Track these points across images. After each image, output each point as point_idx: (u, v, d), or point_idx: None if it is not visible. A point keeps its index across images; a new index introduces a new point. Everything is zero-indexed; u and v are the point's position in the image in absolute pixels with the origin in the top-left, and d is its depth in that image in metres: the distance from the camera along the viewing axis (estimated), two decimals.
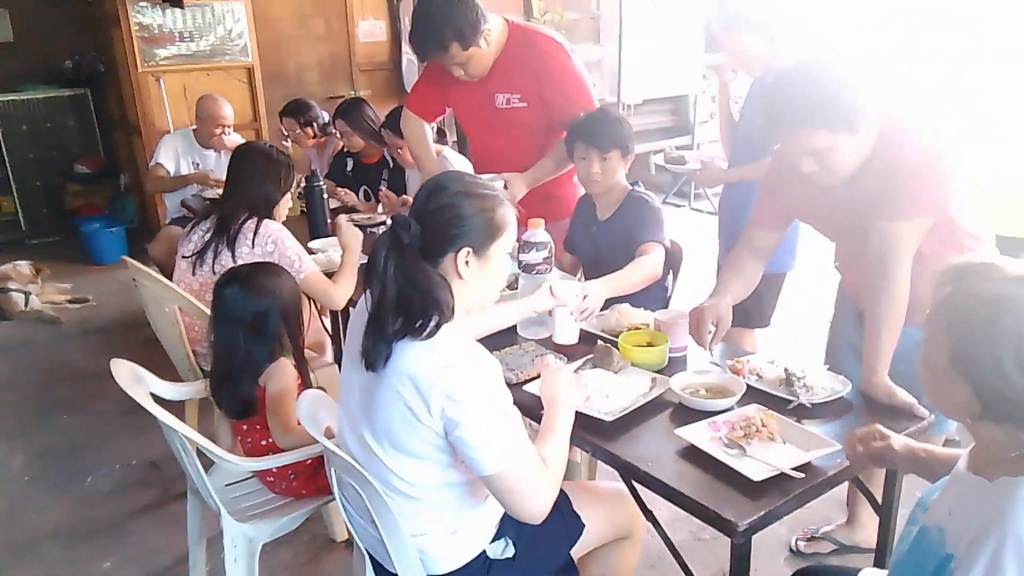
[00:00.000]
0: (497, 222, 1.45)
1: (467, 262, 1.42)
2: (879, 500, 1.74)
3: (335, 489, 1.60)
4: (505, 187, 2.52)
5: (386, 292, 1.36)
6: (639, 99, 6.25)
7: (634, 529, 1.77)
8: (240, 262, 2.35)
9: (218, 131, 4.00)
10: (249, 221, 2.45)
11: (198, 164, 4.07)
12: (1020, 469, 1.04)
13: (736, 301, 1.99)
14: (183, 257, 2.51)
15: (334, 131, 3.97)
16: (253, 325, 1.96)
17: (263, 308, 1.96)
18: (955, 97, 2.76)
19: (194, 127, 4.12)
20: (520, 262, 2.10)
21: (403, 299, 1.36)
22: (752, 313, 2.65)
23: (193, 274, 2.47)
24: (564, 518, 1.64)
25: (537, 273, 2.09)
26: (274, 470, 1.96)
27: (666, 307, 2.57)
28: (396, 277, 1.36)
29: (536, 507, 1.39)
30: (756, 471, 1.43)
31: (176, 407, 2.16)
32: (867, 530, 2.32)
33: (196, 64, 5.43)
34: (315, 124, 4.05)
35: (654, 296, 2.37)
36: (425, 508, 1.47)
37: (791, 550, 2.41)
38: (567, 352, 1.96)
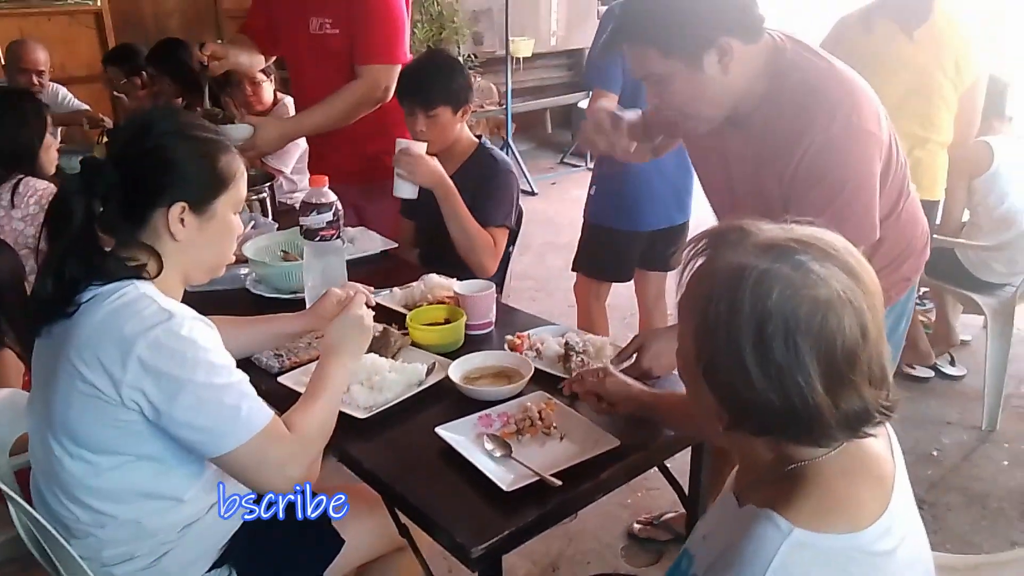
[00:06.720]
0: (221, 172, 1.21)
1: (182, 220, 1.18)
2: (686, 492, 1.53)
3: (13, 515, 1.29)
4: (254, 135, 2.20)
5: (63, 242, 1.15)
6: (529, 53, 5.92)
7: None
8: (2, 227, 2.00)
9: (35, 81, 3.53)
10: (6, 182, 2.08)
11: None
12: (770, 498, 0.79)
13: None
14: None
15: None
16: None
17: None
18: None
19: (3, 82, 3.61)
20: (301, 227, 1.79)
21: (83, 253, 1.14)
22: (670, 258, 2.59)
23: None
24: (317, 535, 1.40)
25: (321, 239, 1.78)
26: None
27: (502, 280, 2.33)
28: (83, 229, 1.14)
29: (286, 478, 1.16)
30: (510, 479, 1.19)
31: None
32: None
33: (33, 8, 4.85)
34: (144, 73, 3.60)
35: None
36: (118, 529, 1.19)
37: (629, 535, 2.23)
38: None
